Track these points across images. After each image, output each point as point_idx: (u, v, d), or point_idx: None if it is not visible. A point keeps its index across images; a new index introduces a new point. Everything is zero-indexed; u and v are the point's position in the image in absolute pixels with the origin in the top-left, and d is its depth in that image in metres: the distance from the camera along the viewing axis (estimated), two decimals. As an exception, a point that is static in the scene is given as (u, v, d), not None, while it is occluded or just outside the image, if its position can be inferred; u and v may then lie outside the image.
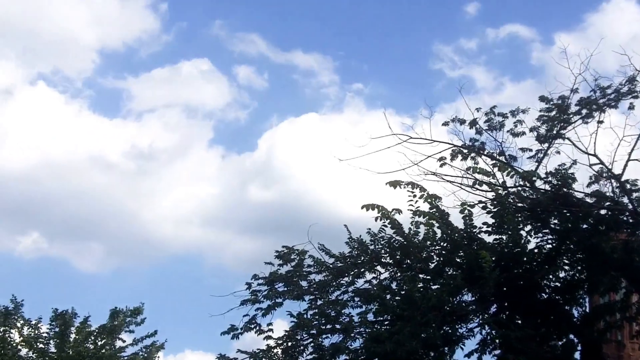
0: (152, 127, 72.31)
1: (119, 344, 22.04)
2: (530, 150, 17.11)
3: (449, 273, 15.61)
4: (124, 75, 78.20)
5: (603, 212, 15.85)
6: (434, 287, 15.53)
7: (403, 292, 15.78)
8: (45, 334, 21.92)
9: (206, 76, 74.14)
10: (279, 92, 78.12)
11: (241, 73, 77.68)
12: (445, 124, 17.47)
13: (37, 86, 71.85)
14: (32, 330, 21.88)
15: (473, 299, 15.35)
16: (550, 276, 15.78)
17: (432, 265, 15.81)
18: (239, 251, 63.28)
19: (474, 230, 15.52)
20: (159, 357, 22.45)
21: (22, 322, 22.05)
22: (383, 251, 16.18)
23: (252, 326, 16.57)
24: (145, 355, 21.86)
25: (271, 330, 16.43)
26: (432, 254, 15.80)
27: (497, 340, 14.83)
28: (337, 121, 69.51)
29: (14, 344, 21.92)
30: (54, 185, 64.37)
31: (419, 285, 15.57)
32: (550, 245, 15.83)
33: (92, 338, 21.74)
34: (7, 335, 21.84)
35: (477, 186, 16.16)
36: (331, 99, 75.32)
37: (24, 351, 22.03)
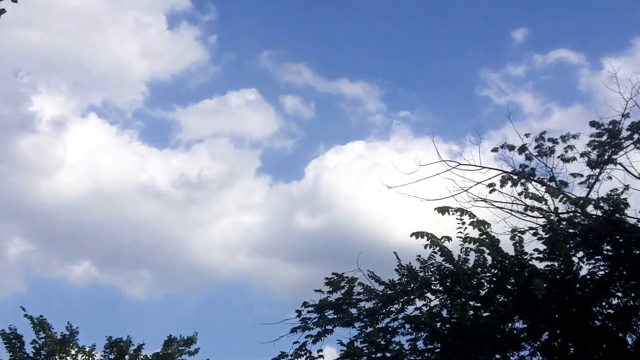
0: (200, 157, 73.68)
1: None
2: (582, 175, 17.15)
3: (500, 300, 15.65)
4: (172, 107, 79.85)
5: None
6: (484, 314, 15.61)
7: (453, 320, 15.88)
8: (99, 361, 22.43)
9: (253, 106, 75.48)
10: (325, 120, 79.21)
11: (288, 103, 78.84)
12: (495, 150, 17.62)
13: (89, 118, 73.79)
14: (87, 358, 22.37)
15: (524, 326, 15.36)
16: (603, 303, 15.71)
17: (483, 292, 15.85)
18: (287, 279, 63.87)
19: (525, 257, 15.55)
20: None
21: (76, 349, 22.54)
22: (433, 278, 16.28)
23: (302, 353, 16.83)
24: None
25: (321, 357, 16.68)
26: (483, 281, 15.85)
27: (549, 369, 14.84)
28: (384, 149, 70.05)
29: (69, 371, 22.45)
30: (104, 214, 65.83)
31: (469, 313, 15.68)
32: (602, 272, 15.78)
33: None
34: (63, 362, 22.37)
35: (528, 212, 16.23)
36: (377, 127, 76.02)
37: (79, 379, 22.53)
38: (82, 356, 22.43)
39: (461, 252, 15.89)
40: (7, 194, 62.67)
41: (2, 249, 63.45)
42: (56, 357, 22.35)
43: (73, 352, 22.49)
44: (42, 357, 22.28)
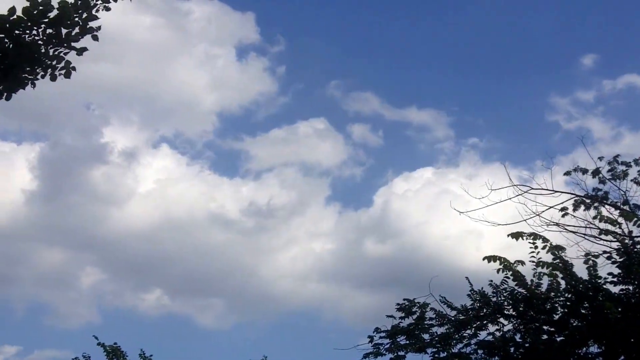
0: (270, 186, 75.26)
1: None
2: (656, 198, 17.25)
3: (574, 324, 15.84)
4: (242, 137, 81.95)
5: None
6: (558, 339, 15.81)
7: (527, 345, 16.12)
8: (171, 388, 23.10)
9: (322, 135, 76.87)
10: (394, 148, 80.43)
11: (356, 131, 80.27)
12: (567, 173, 17.85)
13: (160, 149, 76.12)
14: (159, 384, 23.06)
15: (599, 350, 15.52)
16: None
17: (557, 316, 16.04)
18: (357, 306, 64.59)
19: (599, 281, 15.72)
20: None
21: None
22: (506, 303, 16.50)
23: (375, 379, 17.20)
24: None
25: (393, 382, 17.03)
26: (556, 305, 16.04)
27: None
28: (453, 175, 70.64)
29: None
30: (175, 243, 67.65)
31: (543, 337, 15.90)
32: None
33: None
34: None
35: (601, 236, 16.40)
36: (446, 154, 76.75)
37: (151, 405, 23.17)
38: (156, 383, 23.09)
39: (534, 277, 16.12)
40: (79, 224, 64.80)
41: (76, 279, 65.60)
42: (129, 384, 23.06)
43: (146, 379, 23.15)
44: (116, 384, 22.95)
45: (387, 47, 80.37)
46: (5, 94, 8.54)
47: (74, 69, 9.00)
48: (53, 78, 8.95)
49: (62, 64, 8.93)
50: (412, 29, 79.86)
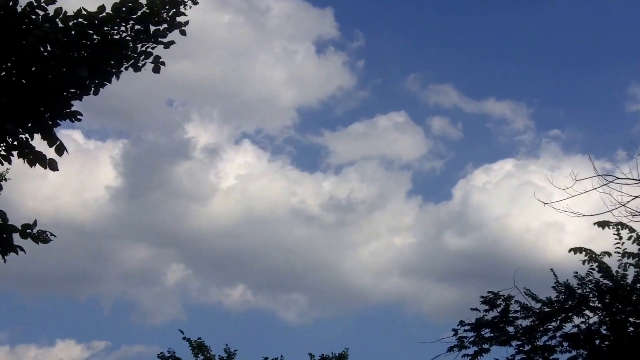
0: (350, 180, 76.50)
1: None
2: None
3: (661, 316, 16.08)
4: (322, 131, 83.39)
5: None
6: (645, 330, 16.08)
7: (613, 337, 16.43)
8: (256, 382, 23.90)
9: (402, 128, 77.75)
10: (473, 140, 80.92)
11: (435, 124, 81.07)
12: (654, 163, 18.02)
13: (242, 144, 78.08)
14: (244, 379, 23.93)
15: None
16: None
17: (643, 308, 16.30)
18: (437, 300, 65.29)
19: (687, 272, 15.94)
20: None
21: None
22: (591, 295, 16.80)
23: (459, 372, 17.71)
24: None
25: (478, 375, 17.50)
26: (643, 296, 16.30)
27: None
28: (534, 167, 70.77)
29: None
30: (257, 238, 69.46)
31: (629, 329, 16.19)
32: None
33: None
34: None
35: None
36: (526, 145, 76.88)
37: (235, 400, 24.05)
38: (240, 378, 23.94)
39: (619, 268, 16.40)
40: (164, 220, 67.07)
41: (161, 275, 67.95)
42: (215, 379, 23.95)
43: (231, 374, 24.02)
44: (202, 379, 23.87)
45: (465, 39, 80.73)
46: (92, 88, 8.91)
47: (163, 64, 9.35)
48: (137, 69, 9.27)
49: (151, 60, 9.31)
50: (490, 21, 79.99)
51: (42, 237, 8.78)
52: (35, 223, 8.72)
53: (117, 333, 66.08)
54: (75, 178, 70.03)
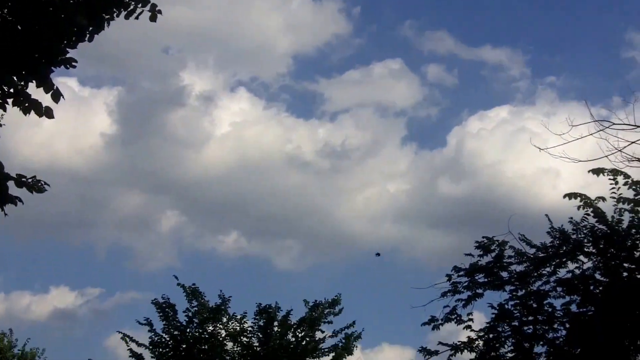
0: (345, 127, 76.78)
1: (318, 335, 23.86)
2: None
3: (656, 261, 16.24)
4: (317, 79, 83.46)
5: None
6: (639, 276, 16.25)
7: (607, 282, 16.60)
8: (249, 328, 24.03)
9: (397, 75, 77.80)
10: (469, 87, 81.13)
11: (431, 71, 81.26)
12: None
13: (237, 92, 78.03)
14: (238, 325, 24.03)
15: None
16: None
17: (638, 253, 16.44)
18: (431, 246, 66.16)
19: (682, 217, 16.05)
20: (357, 347, 24.12)
21: (227, 316, 24.22)
22: (585, 240, 16.93)
23: (453, 317, 17.88)
24: (344, 344, 23.52)
25: (471, 320, 17.69)
26: (637, 242, 16.42)
27: None
28: (529, 113, 71.06)
29: (220, 339, 24.17)
30: (252, 185, 69.97)
31: (623, 275, 16.36)
32: None
33: (292, 331, 23.66)
34: (215, 330, 24.11)
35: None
36: (522, 92, 77.20)
37: (229, 345, 24.23)
38: (234, 323, 24.05)
39: (615, 213, 16.51)
40: (158, 167, 67.30)
41: (156, 222, 68.29)
42: (208, 324, 24.09)
43: (224, 319, 24.15)
44: (195, 324, 24.03)
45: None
46: (88, 35, 8.70)
47: (159, 12, 9.09)
48: (132, 16, 8.95)
49: (148, 8, 9.02)
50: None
51: (37, 187, 8.77)
52: (34, 177, 8.72)
53: (111, 280, 66.63)
54: (70, 125, 69.97)
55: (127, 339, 24.08)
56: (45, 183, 8.84)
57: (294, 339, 23.70)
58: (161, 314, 24.28)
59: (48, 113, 8.36)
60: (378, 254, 27.48)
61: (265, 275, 65.36)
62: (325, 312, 23.90)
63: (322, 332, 23.95)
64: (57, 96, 8.37)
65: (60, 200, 68.23)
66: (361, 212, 69.63)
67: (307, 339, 23.68)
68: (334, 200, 71.42)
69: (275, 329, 23.79)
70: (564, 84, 75.17)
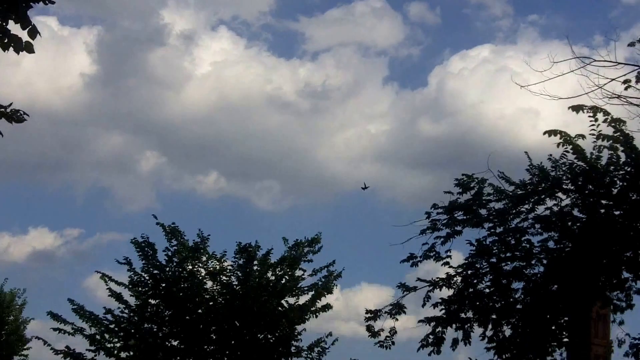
0: (326, 66, 76.47)
1: (298, 274, 23.95)
2: None
3: (633, 198, 16.41)
4: (298, 18, 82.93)
5: None
6: (616, 212, 16.45)
7: (585, 219, 16.80)
8: (229, 267, 24.09)
9: (379, 14, 77.35)
10: (451, 26, 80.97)
11: (413, 10, 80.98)
12: (631, 44, 18.03)
13: (218, 31, 77.31)
14: (218, 264, 24.09)
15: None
16: None
17: (615, 190, 16.63)
18: (411, 186, 66.67)
19: (660, 154, 16.15)
20: (337, 286, 24.27)
21: (207, 255, 24.26)
22: (564, 177, 17.08)
23: (431, 254, 18.09)
24: (324, 283, 23.66)
25: (449, 257, 17.91)
26: (615, 179, 16.59)
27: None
28: (511, 52, 71.08)
29: (200, 277, 24.23)
30: (232, 126, 69.77)
31: (601, 212, 16.55)
32: None
33: (272, 269, 23.74)
34: (195, 269, 24.14)
35: (665, 109, 16.74)
36: (504, 31, 77.10)
37: (208, 284, 24.29)
38: (213, 262, 24.10)
39: (594, 150, 16.61)
40: (137, 107, 66.79)
41: (135, 163, 68.03)
42: (188, 263, 24.11)
43: (204, 258, 24.18)
44: (174, 264, 24.03)
45: None
46: None
47: None
48: None
49: None
50: None
51: (16, 117, 8.73)
52: (10, 105, 8.67)
53: (90, 221, 66.57)
54: (49, 65, 69.19)
55: (106, 279, 24.06)
56: (25, 113, 8.81)
57: (273, 278, 23.77)
58: (140, 254, 24.20)
59: (28, 48, 8.29)
60: (365, 186, 27.54)
61: (245, 215, 65.64)
62: (305, 251, 23.97)
63: (303, 270, 24.04)
64: (33, 33, 8.29)
65: (39, 142, 67.87)
66: (341, 152, 69.86)
67: (287, 277, 23.76)
68: (314, 141, 71.55)
69: (255, 267, 23.81)
70: (547, 22, 75.26)
